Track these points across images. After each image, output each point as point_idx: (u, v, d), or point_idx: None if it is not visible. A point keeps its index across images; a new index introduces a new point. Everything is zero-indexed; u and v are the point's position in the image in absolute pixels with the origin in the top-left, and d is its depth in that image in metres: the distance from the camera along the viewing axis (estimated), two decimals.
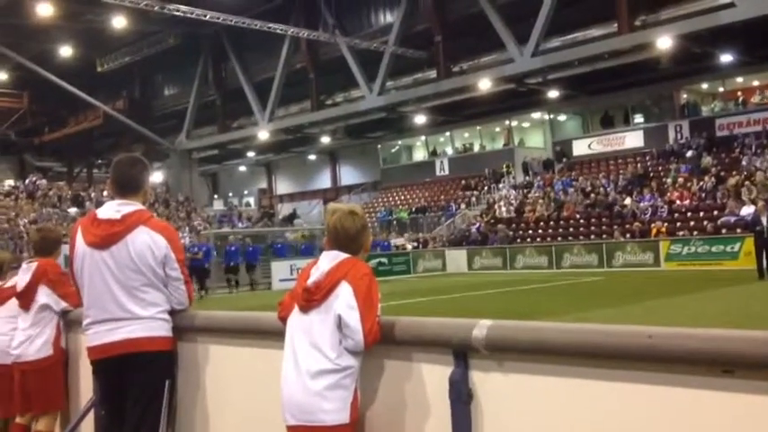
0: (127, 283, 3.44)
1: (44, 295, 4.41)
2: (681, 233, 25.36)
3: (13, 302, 4.65)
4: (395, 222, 36.08)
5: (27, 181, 38.60)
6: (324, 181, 49.86)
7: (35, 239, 4.68)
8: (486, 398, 2.49)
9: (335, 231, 2.88)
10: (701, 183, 27.38)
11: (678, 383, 2.06)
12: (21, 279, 4.52)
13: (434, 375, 2.61)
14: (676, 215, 26.72)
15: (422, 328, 2.70)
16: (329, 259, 2.83)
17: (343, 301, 2.71)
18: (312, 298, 2.77)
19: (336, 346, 2.70)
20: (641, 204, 27.91)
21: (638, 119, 35.11)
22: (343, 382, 2.68)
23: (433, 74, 33.90)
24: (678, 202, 27.24)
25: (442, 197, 37.95)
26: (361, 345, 2.68)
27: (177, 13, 29.12)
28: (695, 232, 25.08)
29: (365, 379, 2.81)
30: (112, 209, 3.55)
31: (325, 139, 42.51)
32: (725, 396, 1.97)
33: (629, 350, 2.14)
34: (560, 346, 2.29)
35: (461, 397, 2.50)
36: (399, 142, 44.37)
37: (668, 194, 27.87)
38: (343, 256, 2.83)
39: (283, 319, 2.93)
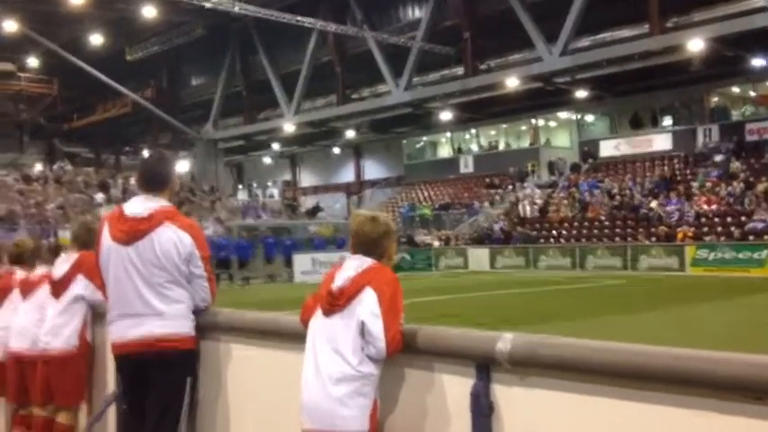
0: (151, 279, 3.45)
1: (81, 286, 4.44)
2: (707, 238, 25.07)
3: (41, 292, 4.70)
4: (417, 219, 36.02)
5: (55, 166, 39.09)
6: (347, 175, 49.91)
7: (78, 232, 4.68)
8: (507, 412, 2.47)
9: (357, 235, 2.92)
10: (730, 188, 27.00)
11: (704, 407, 2.02)
12: (59, 268, 4.55)
13: (456, 387, 2.59)
14: (703, 220, 26.38)
15: (444, 338, 2.68)
16: (355, 264, 2.84)
17: (367, 307, 2.71)
18: (336, 302, 2.78)
19: (358, 352, 2.70)
20: (668, 208, 27.60)
21: (667, 121, 34.70)
22: (363, 389, 2.68)
23: (460, 70, 33.81)
24: (705, 206, 26.90)
25: (466, 194, 37.82)
26: (383, 353, 2.68)
27: (206, 4, 29.30)
28: (722, 238, 24.76)
29: (385, 387, 2.80)
30: (139, 205, 3.57)
31: (350, 133, 42.55)
32: (754, 423, 1.93)
33: (654, 371, 2.10)
34: (584, 364, 2.27)
35: (482, 410, 2.48)
36: (424, 138, 44.27)
37: (695, 199, 27.53)
38: (369, 261, 2.84)
39: (305, 322, 2.93)
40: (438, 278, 26.01)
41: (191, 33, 39.76)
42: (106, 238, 3.57)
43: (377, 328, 2.68)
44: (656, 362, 2.11)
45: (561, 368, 2.32)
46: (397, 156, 44.72)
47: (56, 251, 4.83)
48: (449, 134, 42.34)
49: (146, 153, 42.19)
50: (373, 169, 48.50)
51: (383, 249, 2.91)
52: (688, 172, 30.23)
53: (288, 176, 53.92)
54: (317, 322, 2.84)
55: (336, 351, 2.72)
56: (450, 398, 2.62)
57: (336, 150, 49.36)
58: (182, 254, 3.48)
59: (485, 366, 2.50)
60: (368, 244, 2.89)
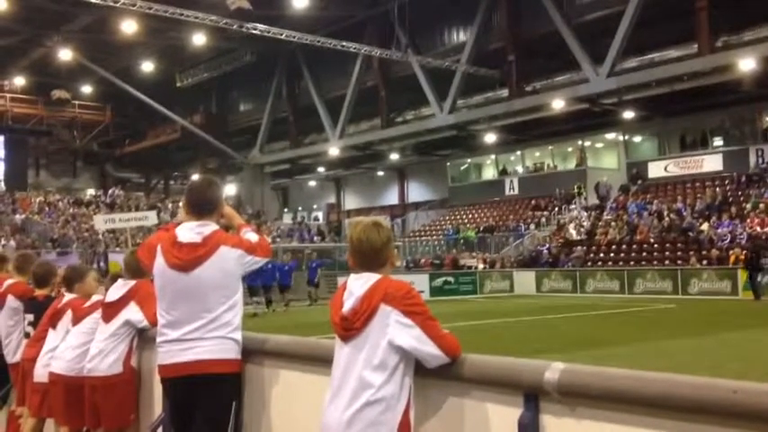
0: (203, 304, 3.49)
1: (132, 312, 4.51)
2: (761, 261, 24.32)
3: (90, 320, 4.80)
4: (462, 241, 35.81)
5: (110, 192, 40.15)
6: (391, 197, 49.98)
7: (129, 261, 4.73)
8: None
9: (360, 244, 2.76)
10: None
11: None
12: (114, 292, 4.63)
13: (503, 416, 2.53)
14: (756, 242, 25.64)
15: (491, 367, 2.62)
16: (361, 282, 2.69)
17: (398, 328, 2.58)
18: (351, 326, 2.66)
19: (380, 375, 2.58)
20: (719, 230, 26.94)
21: (718, 142, 33.98)
22: (384, 416, 2.56)
23: (504, 93, 33.71)
24: (759, 228, 26.18)
25: (511, 217, 37.47)
26: (446, 360, 2.60)
27: (255, 32, 29.83)
28: None
29: (428, 416, 2.75)
30: (192, 231, 3.60)
31: (394, 156, 42.67)
32: None
33: (711, 404, 2.02)
34: (636, 396, 2.19)
35: None
36: (469, 160, 44.10)
37: (748, 221, 26.82)
38: (375, 277, 2.69)
39: None
40: (483, 302, 25.76)
41: (239, 60, 40.59)
42: (161, 265, 3.61)
43: (425, 344, 2.57)
44: (713, 395, 2.03)
45: (612, 399, 2.25)
46: (442, 178, 44.62)
47: (114, 279, 4.93)
48: (493, 156, 42.10)
49: (194, 177, 42.93)
50: (417, 192, 48.50)
51: (385, 258, 2.78)
52: (740, 193, 29.50)
53: (332, 199, 54.27)
54: (337, 348, 2.75)
55: (356, 377, 2.61)
56: (497, 427, 2.56)
57: (381, 173, 49.54)
58: (235, 265, 3.56)
59: (533, 396, 2.44)
60: (372, 252, 2.74)
